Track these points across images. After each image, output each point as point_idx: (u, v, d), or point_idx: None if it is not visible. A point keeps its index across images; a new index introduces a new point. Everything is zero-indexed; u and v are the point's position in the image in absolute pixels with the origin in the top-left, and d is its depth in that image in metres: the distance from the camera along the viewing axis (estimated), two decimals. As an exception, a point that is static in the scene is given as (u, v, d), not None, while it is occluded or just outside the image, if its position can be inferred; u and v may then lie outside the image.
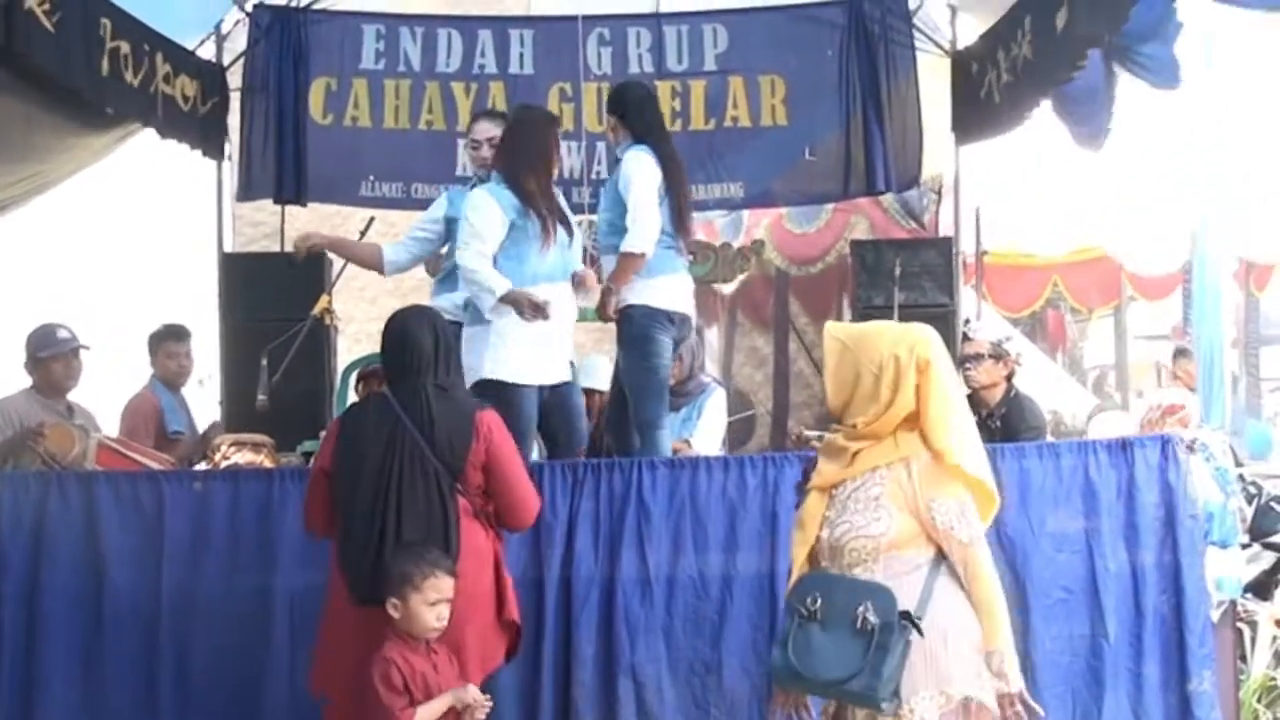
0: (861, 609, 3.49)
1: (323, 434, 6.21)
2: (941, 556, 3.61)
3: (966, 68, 7.73)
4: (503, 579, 4.34)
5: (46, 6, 5.35)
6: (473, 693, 4.01)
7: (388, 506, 4.14)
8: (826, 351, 3.75)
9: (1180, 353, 8.58)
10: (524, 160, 5.33)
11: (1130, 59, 6.08)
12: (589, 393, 6.76)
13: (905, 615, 3.50)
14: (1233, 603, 5.14)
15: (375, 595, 4.02)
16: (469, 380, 5.05)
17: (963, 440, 3.68)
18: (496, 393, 5.08)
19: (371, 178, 8.10)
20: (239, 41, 8.12)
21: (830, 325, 3.84)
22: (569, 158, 8.17)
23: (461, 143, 7.33)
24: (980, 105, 7.51)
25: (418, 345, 4.29)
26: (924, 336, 3.76)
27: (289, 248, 9.13)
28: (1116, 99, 6.48)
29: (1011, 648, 3.59)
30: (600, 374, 6.69)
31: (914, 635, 3.49)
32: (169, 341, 6.89)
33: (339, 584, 4.22)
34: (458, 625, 4.10)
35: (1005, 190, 9.01)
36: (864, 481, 3.65)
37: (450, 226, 5.72)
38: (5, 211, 6.63)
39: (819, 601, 3.59)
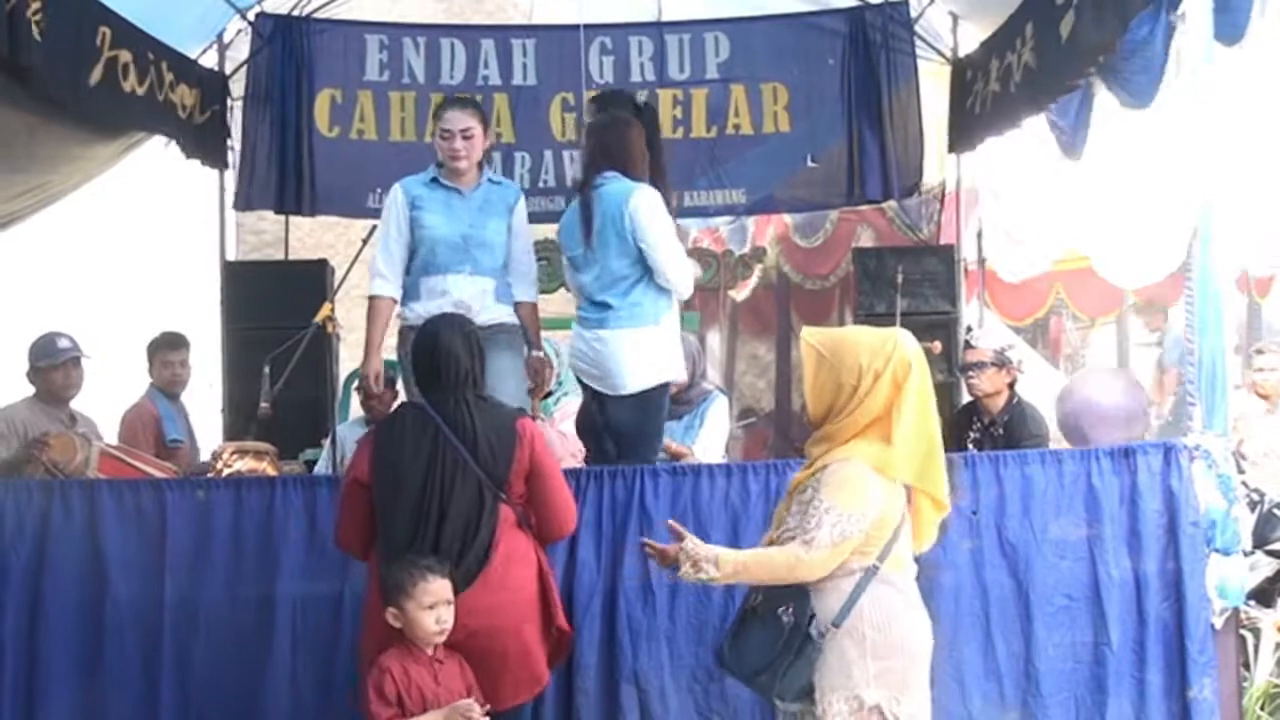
0: (782, 609, 3.61)
1: (325, 442, 6.26)
2: (877, 567, 3.63)
3: (963, 76, 7.75)
4: (548, 586, 4.32)
5: (39, 15, 5.31)
6: (467, 706, 3.96)
7: (428, 518, 4.10)
8: (805, 360, 3.74)
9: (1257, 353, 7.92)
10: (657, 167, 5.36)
11: (1111, 73, 6.09)
12: None
13: (810, 620, 3.59)
14: (1236, 610, 5.12)
15: None
16: (651, 383, 5.13)
17: (912, 451, 3.67)
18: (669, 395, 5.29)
19: (379, 190, 8.11)
20: (241, 50, 8.14)
21: (807, 332, 3.81)
22: (571, 166, 8.22)
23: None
24: (968, 113, 7.53)
25: (454, 357, 4.24)
26: (903, 342, 3.74)
27: (292, 256, 9.22)
28: (1095, 109, 6.50)
29: (727, 566, 3.59)
30: None
31: (835, 637, 3.57)
32: (164, 350, 6.89)
33: (375, 601, 4.14)
34: (502, 635, 4.11)
35: (1008, 199, 9.00)
36: (809, 484, 3.68)
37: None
38: (11, 222, 6.63)
39: (759, 597, 3.72)
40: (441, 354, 4.26)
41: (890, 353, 3.67)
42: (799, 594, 3.62)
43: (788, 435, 11.09)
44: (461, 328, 4.40)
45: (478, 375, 4.30)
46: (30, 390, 6.22)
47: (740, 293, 11.54)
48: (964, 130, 7.77)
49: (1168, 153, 6.39)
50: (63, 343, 6.23)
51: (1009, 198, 8.86)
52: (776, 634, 3.60)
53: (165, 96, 6.92)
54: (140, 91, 6.50)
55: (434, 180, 5.37)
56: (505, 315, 5.39)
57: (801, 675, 3.59)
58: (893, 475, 3.65)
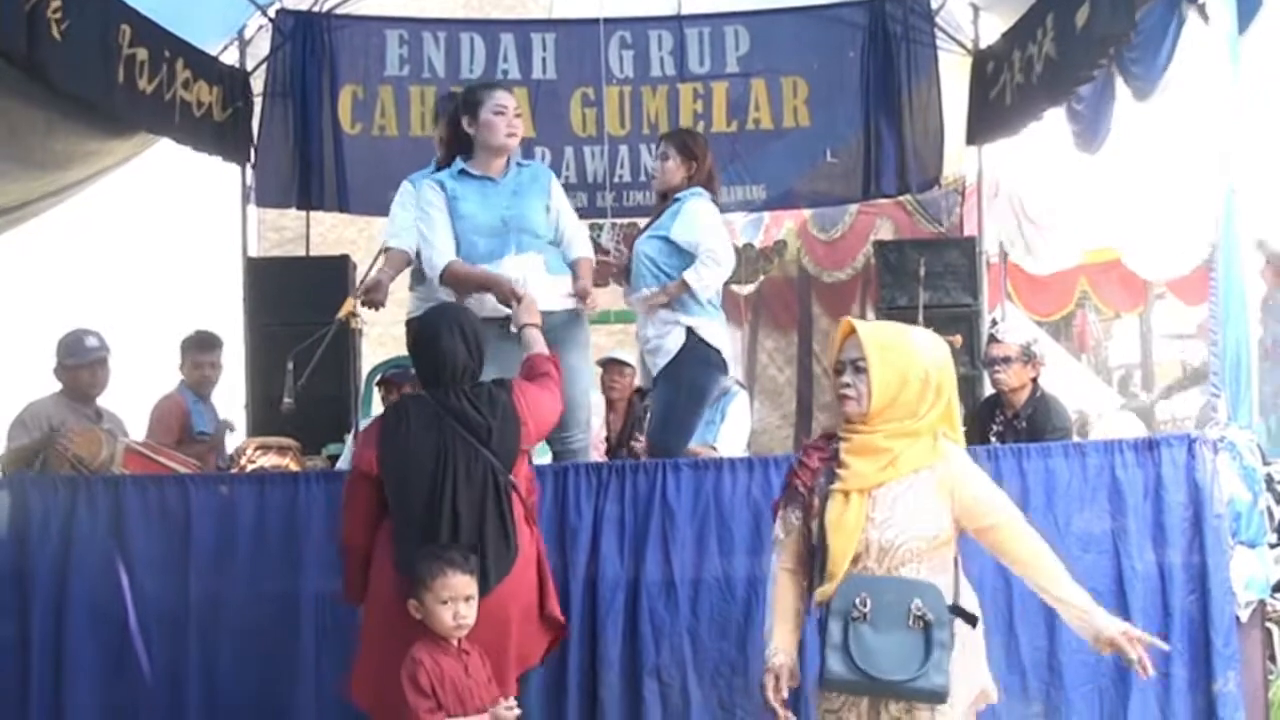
0: (913, 606, 3.52)
1: (348, 437, 6.27)
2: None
3: (984, 67, 7.72)
4: (544, 574, 4.32)
5: (59, 15, 5.31)
6: (509, 708, 4.00)
7: (443, 509, 4.08)
8: (870, 357, 3.66)
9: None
10: None
11: (1121, 64, 6.07)
12: (618, 364, 6.82)
13: (954, 609, 3.56)
14: (1261, 602, 5.10)
15: None
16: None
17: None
18: None
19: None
20: (262, 47, 8.16)
21: (863, 327, 3.75)
22: (592, 162, 8.21)
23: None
24: (991, 105, 7.49)
25: (450, 353, 4.22)
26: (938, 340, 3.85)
27: (314, 252, 9.24)
28: (1115, 100, 6.47)
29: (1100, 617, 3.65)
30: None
31: (955, 622, 3.55)
32: (195, 351, 6.90)
33: (383, 587, 4.14)
34: (504, 621, 4.11)
35: (1032, 191, 8.97)
36: (911, 483, 3.65)
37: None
38: (27, 217, 6.65)
39: (869, 603, 3.58)
40: (438, 352, 4.24)
41: (942, 350, 3.77)
42: (925, 587, 3.55)
43: (809, 426, 11.08)
44: (457, 322, 4.33)
45: (477, 368, 4.28)
46: (57, 386, 6.24)
47: (744, 288, 11.49)
48: (986, 122, 7.73)
49: (1192, 143, 6.35)
50: (90, 341, 6.25)
51: (1034, 190, 8.83)
52: (920, 633, 3.51)
53: (175, 95, 6.81)
54: (149, 91, 6.44)
55: (462, 172, 5.24)
56: (561, 293, 5.22)
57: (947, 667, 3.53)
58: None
